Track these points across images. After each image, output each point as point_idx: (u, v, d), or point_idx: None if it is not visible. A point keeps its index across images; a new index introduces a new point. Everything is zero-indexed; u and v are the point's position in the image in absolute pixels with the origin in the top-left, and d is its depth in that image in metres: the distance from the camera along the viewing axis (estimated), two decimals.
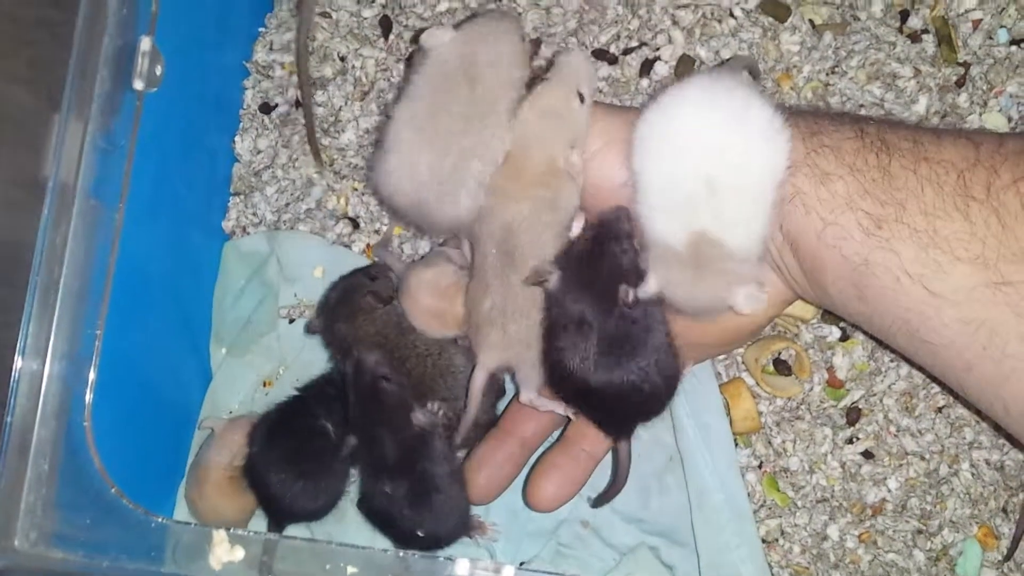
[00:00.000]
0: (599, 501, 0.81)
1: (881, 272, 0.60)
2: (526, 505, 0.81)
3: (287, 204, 0.96)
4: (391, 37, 0.96)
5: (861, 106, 0.88)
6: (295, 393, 0.88)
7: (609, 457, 0.82)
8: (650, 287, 0.67)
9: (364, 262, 0.94)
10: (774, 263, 0.67)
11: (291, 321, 0.95)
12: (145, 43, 0.72)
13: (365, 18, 0.97)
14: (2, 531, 0.67)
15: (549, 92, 0.71)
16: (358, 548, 0.69)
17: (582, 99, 0.71)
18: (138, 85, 0.73)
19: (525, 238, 0.71)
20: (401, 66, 0.95)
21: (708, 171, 0.61)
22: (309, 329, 0.89)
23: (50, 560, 0.67)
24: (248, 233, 0.97)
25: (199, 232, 0.96)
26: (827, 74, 0.89)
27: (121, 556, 0.69)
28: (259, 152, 0.97)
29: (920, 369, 0.82)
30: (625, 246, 0.69)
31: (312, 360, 0.94)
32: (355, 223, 0.95)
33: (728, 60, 0.85)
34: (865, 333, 0.83)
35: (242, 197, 0.97)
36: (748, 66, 0.66)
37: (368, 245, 0.94)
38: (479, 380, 0.76)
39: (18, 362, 0.68)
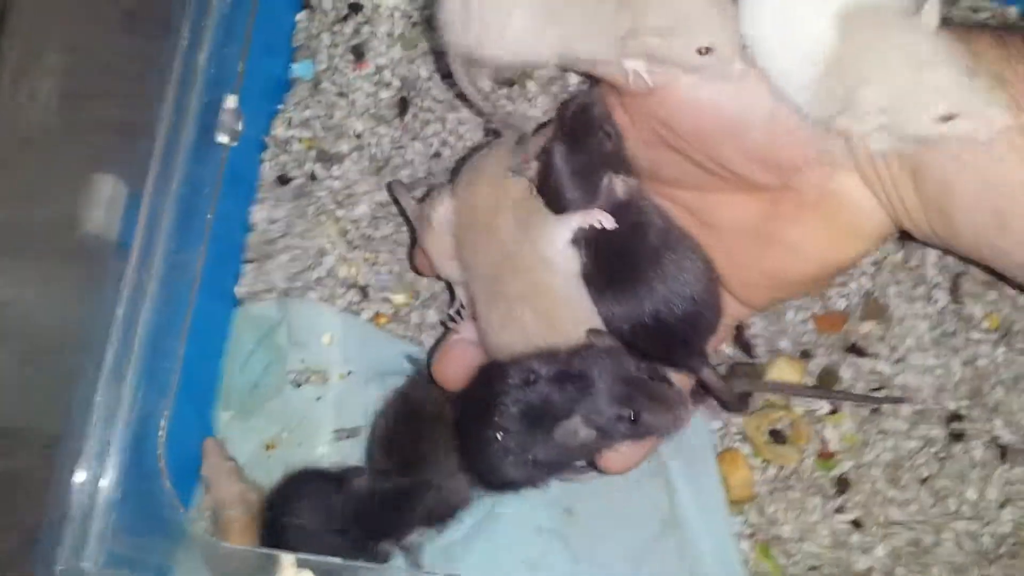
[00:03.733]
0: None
1: None
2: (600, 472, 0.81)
3: (299, 272, 1.01)
4: (407, 117, 1.03)
5: None
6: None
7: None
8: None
9: (373, 330, 0.99)
10: (886, 197, 0.65)
11: (297, 386, 1.00)
12: (231, 100, 0.79)
13: (382, 99, 1.04)
14: (73, 553, 0.71)
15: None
16: None
17: None
18: (223, 139, 0.79)
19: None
20: (416, 143, 1.01)
21: None
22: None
23: None
24: (260, 299, 1.01)
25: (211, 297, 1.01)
26: None
27: None
28: (274, 222, 1.02)
29: None
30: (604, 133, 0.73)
31: (317, 424, 0.99)
32: (364, 292, 1.00)
33: None
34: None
35: (255, 264, 1.02)
36: None
37: (377, 313, 1.00)
38: None
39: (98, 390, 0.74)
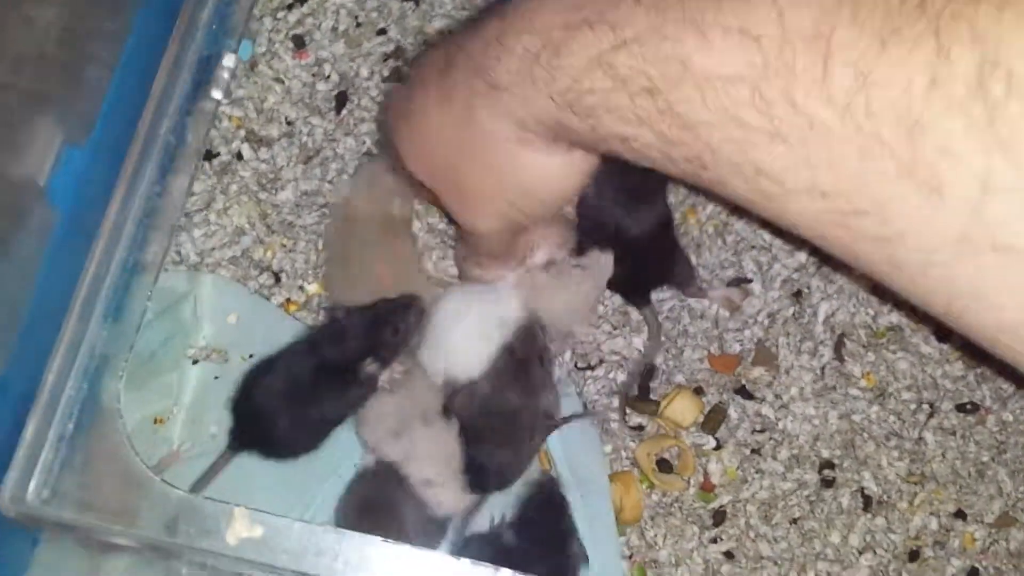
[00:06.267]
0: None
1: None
2: None
3: (212, 249, 0.98)
4: (343, 112, 1.02)
5: (752, 247, 1.00)
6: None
7: None
8: None
9: (282, 315, 0.97)
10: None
11: (195, 362, 0.97)
12: (229, 59, 0.78)
13: (319, 91, 1.03)
14: (18, 484, 0.68)
15: None
16: None
17: None
18: (217, 95, 0.78)
19: None
20: (349, 139, 1.01)
21: None
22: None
23: (62, 519, 0.68)
24: (167, 270, 0.98)
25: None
26: (727, 215, 1.01)
27: (135, 523, 0.70)
28: (194, 195, 0.99)
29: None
30: None
31: (209, 403, 0.96)
32: (277, 277, 0.99)
33: None
34: None
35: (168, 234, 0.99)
36: None
37: (288, 300, 0.98)
38: None
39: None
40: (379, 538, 0.73)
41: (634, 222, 0.91)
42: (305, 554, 0.71)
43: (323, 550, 0.71)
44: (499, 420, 0.88)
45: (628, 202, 0.90)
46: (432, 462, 0.83)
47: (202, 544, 0.72)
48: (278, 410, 0.88)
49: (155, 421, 0.97)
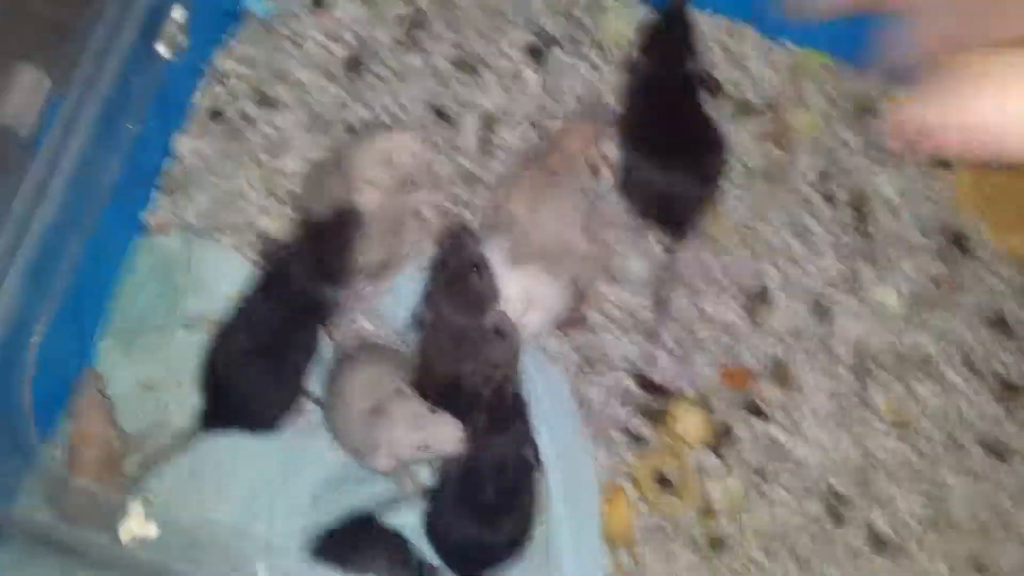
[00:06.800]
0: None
1: None
2: None
3: (214, 213, 0.95)
4: (357, 78, 0.97)
5: (779, 256, 0.93)
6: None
7: None
8: None
9: None
10: None
11: (188, 328, 0.93)
12: (177, 12, 0.73)
13: (334, 54, 0.98)
14: None
15: None
16: None
17: None
18: (161, 50, 0.73)
19: None
20: (358, 107, 0.95)
21: None
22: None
23: None
24: (167, 232, 0.94)
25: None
26: (755, 220, 0.94)
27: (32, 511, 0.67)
28: (199, 155, 0.96)
29: None
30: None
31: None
32: None
33: None
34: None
35: (170, 195, 0.95)
36: None
37: None
38: None
39: None
40: (273, 547, 0.68)
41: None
42: (198, 557, 0.66)
43: (218, 554, 0.66)
44: (446, 339, 0.82)
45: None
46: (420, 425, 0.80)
47: (92, 538, 0.66)
48: (248, 370, 0.86)
49: (144, 385, 0.94)
